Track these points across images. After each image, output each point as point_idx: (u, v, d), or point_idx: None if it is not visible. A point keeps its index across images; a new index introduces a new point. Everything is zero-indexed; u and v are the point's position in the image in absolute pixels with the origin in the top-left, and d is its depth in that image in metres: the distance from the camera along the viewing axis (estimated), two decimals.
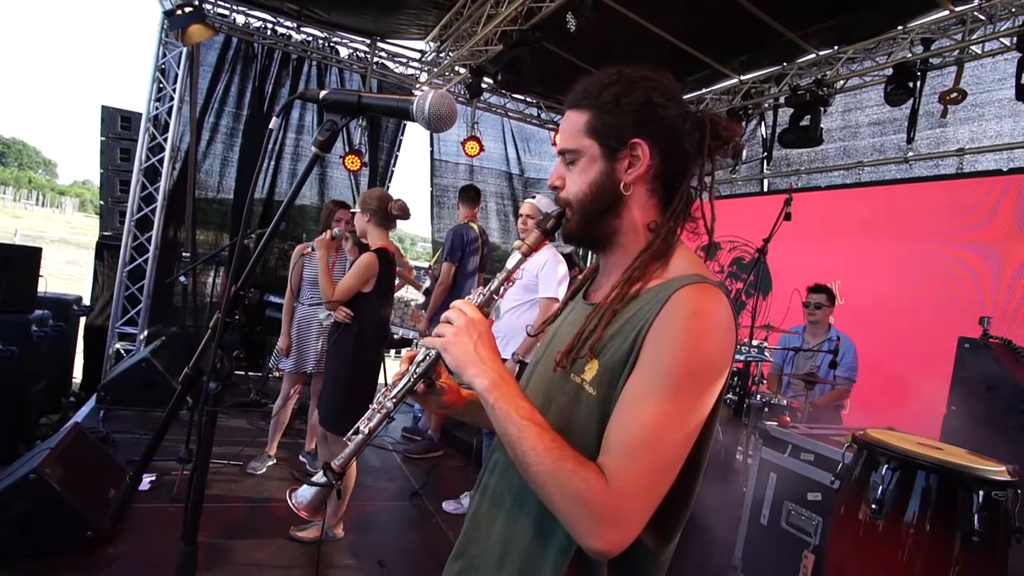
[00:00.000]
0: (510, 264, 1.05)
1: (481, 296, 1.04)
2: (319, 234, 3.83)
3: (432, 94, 1.06)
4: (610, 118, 1.00)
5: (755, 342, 4.14)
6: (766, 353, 3.98)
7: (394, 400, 1.04)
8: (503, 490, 1.06)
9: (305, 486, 1.04)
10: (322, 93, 1.09)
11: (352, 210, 3.19)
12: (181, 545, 1.12)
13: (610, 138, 1.00)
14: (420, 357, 1.04)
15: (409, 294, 6.25)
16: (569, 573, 0.93)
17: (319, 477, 1.03)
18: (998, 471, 2.05)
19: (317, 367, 4.05)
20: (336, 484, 1.02)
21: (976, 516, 1.97)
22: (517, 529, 1.00)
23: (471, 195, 5.12)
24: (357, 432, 1.04)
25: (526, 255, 1.05)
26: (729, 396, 4.23)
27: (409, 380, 1.04)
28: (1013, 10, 4.27)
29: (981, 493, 1.99)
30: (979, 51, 4.58)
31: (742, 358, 3.93)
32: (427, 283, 5.67)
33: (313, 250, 4.04)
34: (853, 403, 4.31)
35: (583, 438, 0.93)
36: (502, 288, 1.06)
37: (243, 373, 5.93)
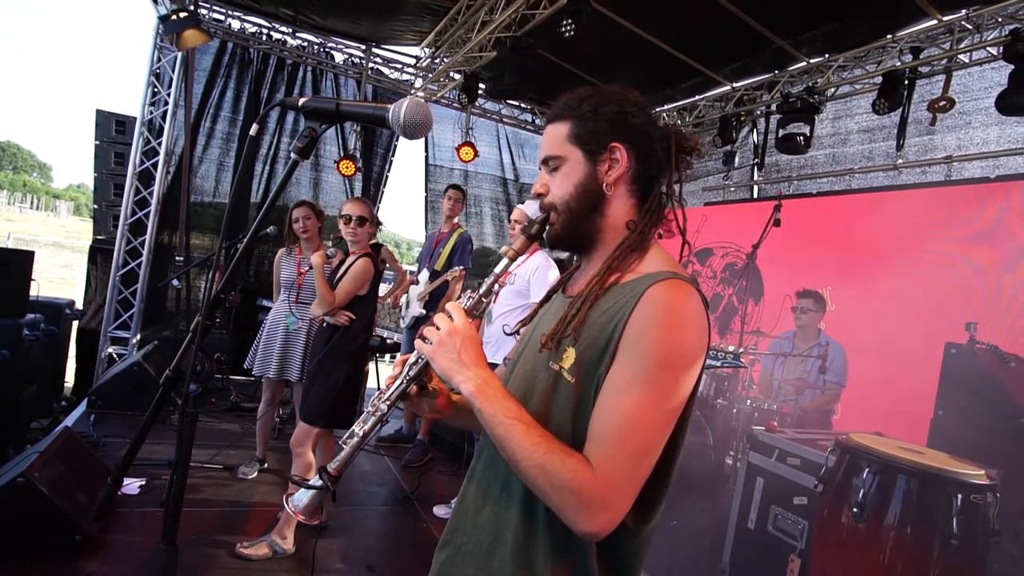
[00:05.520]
0: (497, 269, 1.10)
1: (470, 300, 1.07)
2: (287, 234, 4.00)
3: (407, 102, 1.09)
4: (591, 125, 1.07)
5: (731, 348, 4.17)
6: (741, 360, 4.01)
7: (388, 403, 1.07)
8: (490, 479, 1.10)
9: (302, 490, 1.06)
10: (301, 100, 1.12)
11: (355, 214, 3.24)
12: (160, 545, 1.13)
13: (591, 143, 1.07)
14: (412, 360, 1.08)
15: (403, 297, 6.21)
16: (559, 553, 0.99)
17: (315, 480, 1.04)
18: (976, 475, 2.08)
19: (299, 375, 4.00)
20: (332, 487, 1.04)
21: (955, 519, 2.00)
22: (507, 516, 1.04)
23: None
24: (352, 436, 1.06)
25: (512, 259, 1.11)
26: (720, 401, 4.25)
27: (402, 383, 1.08)
28: (999, 19, 4.33)
29: (960, 496, 2.01)
30: (967, 60, 4.64)
31: (718, 364, 3.95)
32: (419, 277, 5.50)
33: (291, 252, 4.08)
34: (843, 408, 4.34)
35: (561, 422, 1.00)
36: (491, 292, 1.09)
37: (221, 376, 5.85)
